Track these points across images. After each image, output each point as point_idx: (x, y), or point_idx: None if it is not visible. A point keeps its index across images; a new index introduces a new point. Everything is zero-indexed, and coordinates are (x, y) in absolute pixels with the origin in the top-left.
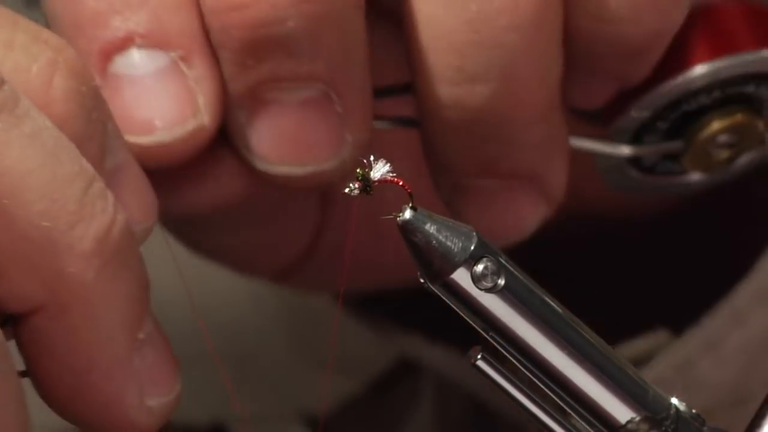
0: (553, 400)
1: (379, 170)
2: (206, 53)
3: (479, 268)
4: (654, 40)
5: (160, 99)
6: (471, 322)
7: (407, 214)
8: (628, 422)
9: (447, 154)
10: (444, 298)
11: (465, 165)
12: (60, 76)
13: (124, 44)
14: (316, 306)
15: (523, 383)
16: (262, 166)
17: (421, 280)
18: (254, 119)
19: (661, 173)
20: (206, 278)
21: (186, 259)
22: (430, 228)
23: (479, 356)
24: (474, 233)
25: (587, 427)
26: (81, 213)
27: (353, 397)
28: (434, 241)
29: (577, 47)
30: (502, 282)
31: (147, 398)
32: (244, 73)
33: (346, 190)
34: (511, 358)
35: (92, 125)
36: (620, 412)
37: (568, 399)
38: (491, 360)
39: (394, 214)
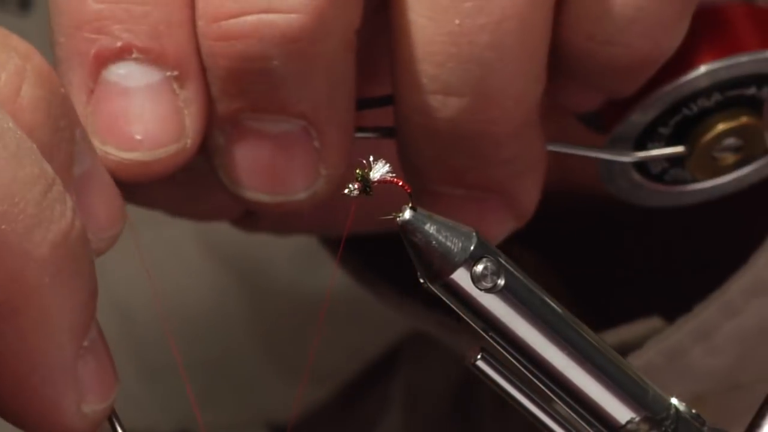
0: (552, 399)
1: (379, 171)
2: (198, 76)
3: (479, 268)
4: (646, 63)
5: (147, 115)
6: (471, 323)
7: (407, 214)
8: (628, 422)
9: (417, 159)
10: (444, 299)
11: (434, 172)
12: (28, 84)
13: (120, 54)
14: (286, 312)
15: (522, 383)
16: (233, 188)
17: (421, 281)
18: (232, 144)
19: (669, 182)
20: (176, 285)
21: (155, 265)
22: (430, 228)
23: (479, 356)
24: (474, 233)
25: (587, 427)
26: (40, 217)
27: (322, 404)
28: (434, 242)
29: (566, 60)
30: (501, 282)
31: (83, 405)
32: (227, 99)
33: (346, 191)
34: (511, 359)
35: (60, 133)
36: (620, 412)
37: (568, 399)
38: (491, 360)
39: (393, 214)
